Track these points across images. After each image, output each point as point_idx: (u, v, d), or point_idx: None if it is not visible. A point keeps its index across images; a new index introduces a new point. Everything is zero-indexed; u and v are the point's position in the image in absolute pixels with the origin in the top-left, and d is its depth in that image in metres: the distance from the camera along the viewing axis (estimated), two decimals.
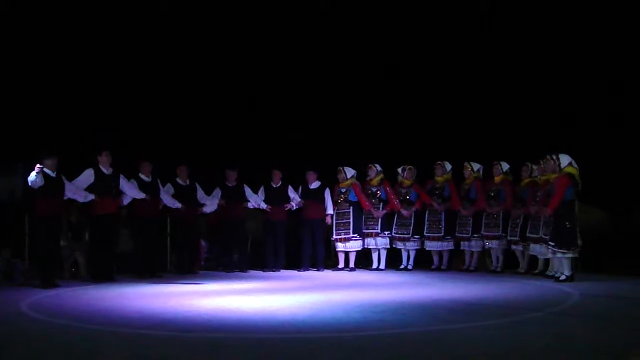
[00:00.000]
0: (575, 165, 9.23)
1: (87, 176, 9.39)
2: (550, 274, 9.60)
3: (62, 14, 11.53)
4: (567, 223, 9.01)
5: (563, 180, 9.07)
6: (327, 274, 10.91)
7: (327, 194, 11.48)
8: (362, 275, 10.69)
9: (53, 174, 8.79)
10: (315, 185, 11.52)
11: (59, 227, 9.20)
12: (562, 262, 9.17)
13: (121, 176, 9.73)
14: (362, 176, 11.63)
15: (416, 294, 8.00)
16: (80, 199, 9.31)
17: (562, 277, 9.06)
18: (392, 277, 10.36)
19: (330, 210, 11.43)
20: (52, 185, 8.76)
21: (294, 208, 11.40)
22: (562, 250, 9.06)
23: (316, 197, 11.43)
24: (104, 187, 9.44)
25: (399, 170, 11.46)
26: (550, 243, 9.18)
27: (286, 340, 5.29)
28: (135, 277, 9.82)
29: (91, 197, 9.26)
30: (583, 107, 11.73)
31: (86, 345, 5.16)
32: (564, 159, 9.21)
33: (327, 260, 11.73)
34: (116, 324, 5.97)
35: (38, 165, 8.54)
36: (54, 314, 6.59)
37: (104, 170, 9.53)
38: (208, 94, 12.84)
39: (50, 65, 11.58)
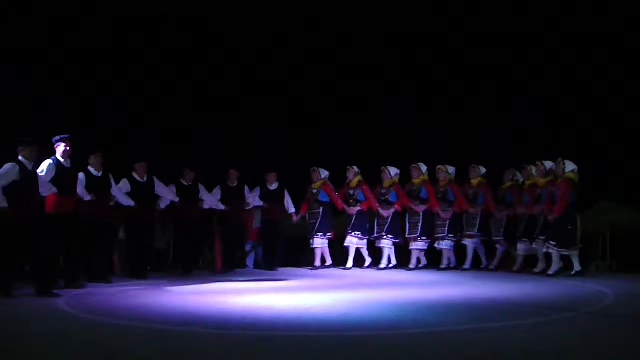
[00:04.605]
0: (577, 172, 9.87)
1: (50, 169, 8.10)
2: (538, 270, 10.21)
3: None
4: (568, 226, 9.68)
5: (566, 186, 9.72)
6: (355, 272, 10.93)
7: (287, 194, 11.52)
8: (393, 275, 10.67)
9: (30, 167, 7.77)
10: (274, 186, 11.51)
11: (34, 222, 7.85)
12: (572, 258, 9.82)
13: None
14: (337, 178, 11.72)
15: (448, 293, 7.97)
16: (45, 193, 8.03)
17: (572, 272, 9.72)
18: (423, 276, 10.34)
19: (292, 209, 11.52)
20: (29, 179, 7.74)
21: (249, 207, 11.38)
22: (563, 250, 9.73)
23: (276, 198, 11.43)
24: (64, 181, 8.19)
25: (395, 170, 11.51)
26: (551, 242, 9.71)
27: (320, 338, 5.29)
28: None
29: (54, 190, 8.04)
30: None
31: (118, 341, 5.17)
32: (569, 166, 9.86)
33: (302, 259, 11.80)
34: (148, 320, 5.99)
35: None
36: (88, 310, 6.64)
37: (64, 164, 8.23)
38: (173, 89, 12.52)
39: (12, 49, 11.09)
